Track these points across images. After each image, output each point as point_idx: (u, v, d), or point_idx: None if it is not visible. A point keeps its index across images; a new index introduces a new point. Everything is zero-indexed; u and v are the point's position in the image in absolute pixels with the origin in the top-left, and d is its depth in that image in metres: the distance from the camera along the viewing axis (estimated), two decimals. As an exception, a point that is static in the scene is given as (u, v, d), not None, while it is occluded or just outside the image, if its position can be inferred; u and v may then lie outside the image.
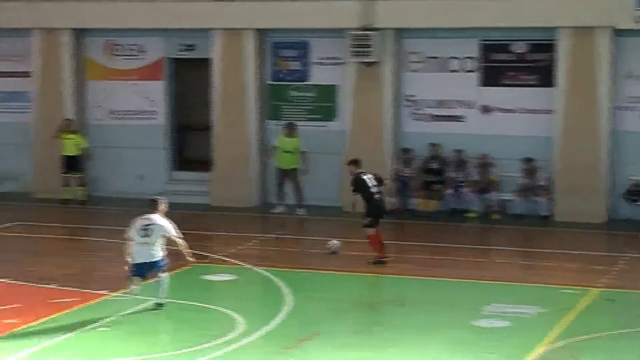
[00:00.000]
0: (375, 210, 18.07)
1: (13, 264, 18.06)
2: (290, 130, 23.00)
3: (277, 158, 23.07)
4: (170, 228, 15.11)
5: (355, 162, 18.47)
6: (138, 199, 20.58)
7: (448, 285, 16.81)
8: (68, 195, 23.96)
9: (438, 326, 14.40)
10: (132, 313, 14.89)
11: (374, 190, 18.08)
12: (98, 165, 24.67)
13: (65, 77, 24.77)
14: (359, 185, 18.07)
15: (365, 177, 18.11)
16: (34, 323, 14.31)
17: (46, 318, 14.54)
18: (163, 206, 15.35)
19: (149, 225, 15.08)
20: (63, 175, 23.99)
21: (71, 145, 23.94)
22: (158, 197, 15.68)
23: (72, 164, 23.97)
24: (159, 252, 15.10)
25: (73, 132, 24.05)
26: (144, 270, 15.06)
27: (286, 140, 23.00)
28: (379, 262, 17.91)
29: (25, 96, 25.29)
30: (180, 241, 15.13)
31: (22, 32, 24.87)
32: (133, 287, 15.03)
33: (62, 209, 23.51)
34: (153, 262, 15.05)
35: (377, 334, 14.12)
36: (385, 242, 18.17)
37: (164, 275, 15.17)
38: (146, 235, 15.00)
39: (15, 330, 14.00)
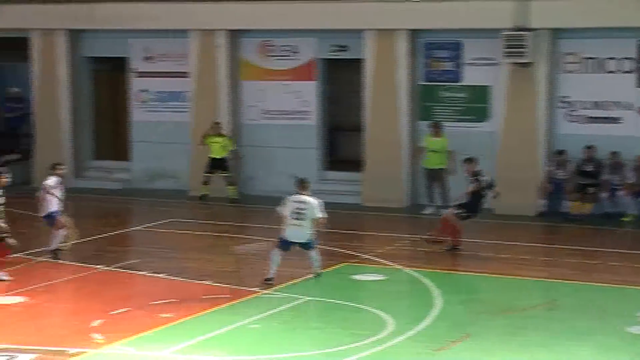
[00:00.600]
0: (474, 208, 18.78)
1: (169, 260, 18.52)
2: (436, 129, 22.94)
3: (424, 158, 23.05)
4: (319, 210, 16.33)
5: (472, 160, 19.03)
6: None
7: (600, 290, 16.48)
8: (205, 191, 24.37)
9: (589, 332, 14.15)
10: (282, 311, 15.06)
11: (485, 192, 18.93)
12: (251, 164, 25.09)
13: (221, 78, 25.25)
14: (481, 182, 18.76)
15: (483, 177, 18.88)
16: (188, 318, 14.62)
17: (200, 313, 14.85)
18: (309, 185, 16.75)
19: (303, 209, 16.20)
20: (205, 174, 24.39)
21: (218, 148, 24.33)
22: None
23: (219, 164, 24.37)
24: (310, 233, 16.32)
25: (220, 135, 24.42)
26: (291, 245, 16.39)
27: (432, 140, 22.95)
28: (454, 249, 18.72)
29: (184, 96, 25.90)
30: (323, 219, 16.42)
31: (180, 34, 25.48)
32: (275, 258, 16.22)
33: (217, 207, 23.88)
34: (304, 242, 16.36)
35: (526, 338, 13.95)
36: (537, 244, 18.02)
37: (313, 252, 16.43)
38: (299, 218, 16.23)
39: (170, 324, 14.34)
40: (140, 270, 17.65)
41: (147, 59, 26.29)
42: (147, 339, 13.64)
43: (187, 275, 17.16)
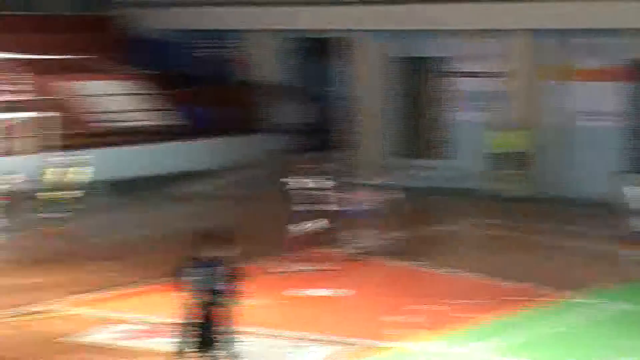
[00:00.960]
0: None
1: (471, 259, 18.57)
2: None
3: None
4: None
5: None
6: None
7: None
8: (506, 189, 24.56)
9: None
10: (586, 319, 14.72)
11: None
12: (549, 164, 24.68)
13: (529, 78, 25.08)
14: None
15: None
16: (490, 318, 14.59)
17: (502, 314, 14.77)
18: None
19: None
20: (499, 172, 24.67)
21: (505, 145, 24.53)
22: None
23: (512, 162, 24.48)
24: None
25: (510, 134, 24.64)
26: None
27: None
28: None
29: (496, 96, 25.92)
30: None
31: (491, 34, 25.49)
32: None
33: (516, 205, 23.66)
34: None
35: None
36: None
37: None
38: None
39: (472, 324, 14.36)
40: (445, 268, 17.85)
41: (465, 58, 26.44)
42: (448, 338, 13.73)
43: (489, 274, 17.14)
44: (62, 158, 19.20)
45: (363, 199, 18.23)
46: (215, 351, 10.72)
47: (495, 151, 24.72)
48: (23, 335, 13.92)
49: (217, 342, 10.70)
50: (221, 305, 10.58)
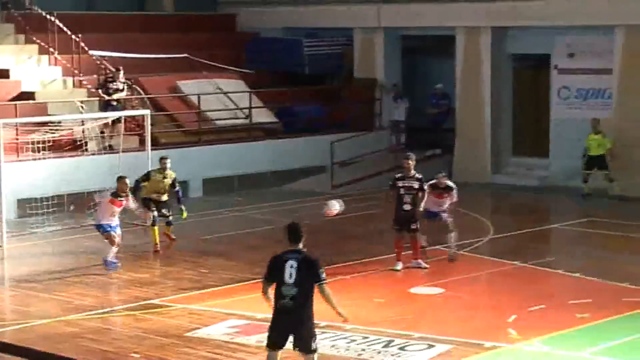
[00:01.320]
0: None
1: (585, 259, 18.31)
2: None
3: None
4: None
5: None
6: None
7: None
8: (587, 190, 24.25)
9: None
10: None
11: None
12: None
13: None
14: None
15: None
16: (606, 320, 14.34)
17: (618, 316, 14.50)
18: None
19: None
20: (585, 172, 24.32)
21: (595, 145, 24.22)
22: None
23: (596, 162, 24.22)
24: None
25: (598, 133, 24.29)
26: None
27: None
28: None
29: (606, 93, 25.45)
30: None
31: (604, 30, 25.05)
32: None
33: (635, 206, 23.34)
34: None
35: None
36: None
37: None
38: None
39: (587, 325, 14.14)
40: (555, 268, 17.57)
41: (570, 55, 26.11)
42: (562, 338, 13.56)
43: (604, 275, 16.83)
44: (165, 157, 19.23)
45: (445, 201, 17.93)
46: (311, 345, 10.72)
47: (592, 152, 24.38)
48: (145, 329, 14.15)
49: (311, 336, 10.69)
50: (305, 298, 10.56)
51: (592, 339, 13.54)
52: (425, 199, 17.31)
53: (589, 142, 24.32)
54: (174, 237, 19.20)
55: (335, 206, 14.44)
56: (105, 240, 17.35)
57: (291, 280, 10.56)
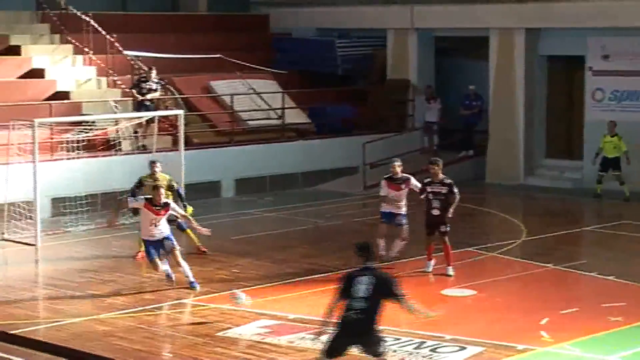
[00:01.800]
0: None
1: (617, 262, 18.17)
2: None
3: None
4: None
5: None
6: None
7: None
8: (598, 190, 24.46)
9: None
10: None
11: None
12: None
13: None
14: None
15: None
16: (637, 323, 14.23)
17: (651, 320, 14.46)
18: None
19: None
20: (599, 172, 24.52)
21: (611, 147, 24.35)
22: None
23: (611, 164, 24.40)
24: None
25: (615, 136, 24.35)
26: None
27: None
28: None
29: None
30: None
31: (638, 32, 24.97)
32: None
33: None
34: None
35: None
36: None
37: None
38: None
39: (619, 328, 14.06)
40: (587, 271, 17.48)
41: (604, 57, 25.98)
42: (594, 342, 13.50)
43: (638, 279, 16.71)
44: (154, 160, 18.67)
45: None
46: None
47: (609, 154, 24.50)
48: (177, 329, 14.25)
49: (379, 342, 10.98)
50: (374, 313, 10.82)
51: (624, 343, 13.46)
52: (456, 203, 17.12)
53: (605, 144, 24.39)
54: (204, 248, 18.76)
55: (242, 299, 14.57)
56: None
57: (362, 295, 10.79)
